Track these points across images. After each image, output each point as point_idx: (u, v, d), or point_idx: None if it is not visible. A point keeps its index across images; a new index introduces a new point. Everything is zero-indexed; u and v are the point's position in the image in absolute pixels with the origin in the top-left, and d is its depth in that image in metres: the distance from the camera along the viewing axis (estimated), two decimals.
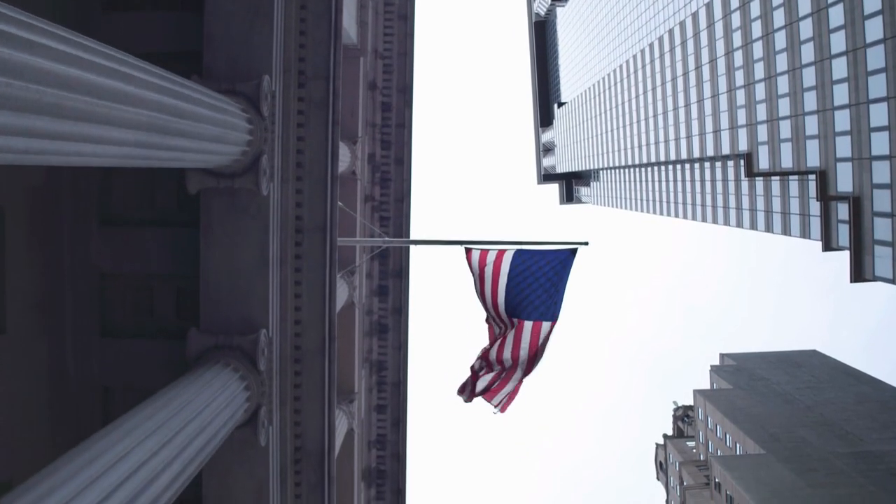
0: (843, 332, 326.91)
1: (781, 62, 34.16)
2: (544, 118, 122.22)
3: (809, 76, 31.46)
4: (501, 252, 14.83)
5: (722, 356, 74.48)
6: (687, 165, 57.68)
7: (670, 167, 61.87)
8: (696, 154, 48.51)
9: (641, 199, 69.64)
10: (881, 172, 26.12)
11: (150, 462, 7.19)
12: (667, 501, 68.70)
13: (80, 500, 6.09)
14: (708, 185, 52.94)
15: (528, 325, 14.52)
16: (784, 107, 34.14)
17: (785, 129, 34.30)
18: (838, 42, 28.58)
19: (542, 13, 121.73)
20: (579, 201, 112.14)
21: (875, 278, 27.32)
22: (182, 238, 11.89)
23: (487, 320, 14.56)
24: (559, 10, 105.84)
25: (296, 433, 12.73)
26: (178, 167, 8.71)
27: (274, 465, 11.72)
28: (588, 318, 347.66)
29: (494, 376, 14.70)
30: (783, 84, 34.31)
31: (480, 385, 14.83)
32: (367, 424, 23.12)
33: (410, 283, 23.70)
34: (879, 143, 26.11)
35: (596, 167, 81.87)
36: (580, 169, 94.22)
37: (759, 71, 36.93)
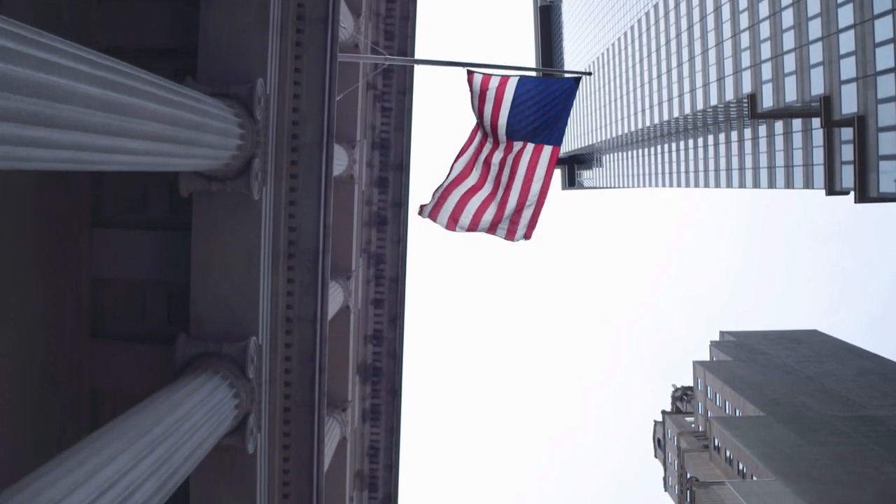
0: (842, 314, 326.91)
1: None
2: None
3: (814, 4, 31.47)
4: (505, 78, 14.60)
5: (722, 333, 74.20)
6: (691, 137, 57.67)
7: (672, 142, 61.86)
8: (700, 106, 48.55)
9: (644, 174, 69.57)
10: (886, 86, 26.06)
11: None
12: (664, 479, 68.06)
13: None
14: (711, 149, 52.92)
15: (529, 146, 14.32)
16: (788, 40, 34.18)
17: (789, 62, 34.30)
18: None
19: None
20: (581, 186, 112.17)
21: (880, 196, 27.16)
22: None
23: (475, 132, 14.20)
24: None
25: (290, 226, 12.44)
26: None
27: (266, 239, 11.42)
28: (590, 305, 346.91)
29: (486, 202, 14.31)
30: (787, 18, 34.36)
31: (469, 213, 14.35)
32: (363, 317, 22.80)
33: (411, 180, 23.48)
34: (884, 57, 26.06)
35: (599, 140, 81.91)
36: (583, 146, 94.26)
37: (764, 9, 36.98)
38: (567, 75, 15.32)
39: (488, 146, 14.25)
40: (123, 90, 6.35)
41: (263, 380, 11.51)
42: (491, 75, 14.54)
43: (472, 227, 14.19)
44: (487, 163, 14.11)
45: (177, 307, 12.17)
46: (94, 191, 12.01)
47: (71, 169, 6.16)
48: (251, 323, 11.22)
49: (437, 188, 13.93)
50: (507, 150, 14.38)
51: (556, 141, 14.47)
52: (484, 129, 14.18)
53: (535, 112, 14.50)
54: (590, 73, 14.77)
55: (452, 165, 14.06)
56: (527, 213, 14.41)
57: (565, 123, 14.62)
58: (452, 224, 14.18)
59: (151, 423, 8.11)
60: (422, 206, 14.04)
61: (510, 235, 14.59)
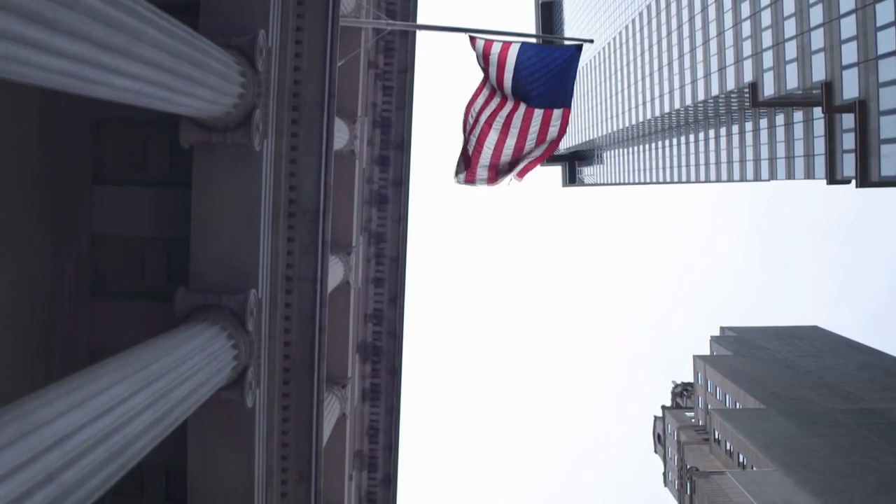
0: (843, 310, 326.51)
1: None
2: None
3: None
4: (507, 44, 14.64)
5: (722, 328, 74.22)
6: (692, 132, 57.68)
7: (672, 137, 61.87)
8: (701, 97, 48.61)
9: (645, 170, 69.59)
10: (887, 70, 26.09)
11: None
12: (664, 474, 67.92)
13: (54, 427, 6.20)
14: (711, 142, 52.95)
15: (538, 112, 14.39)
16: (790, 27, 34.23)
17: (790, 49, 34.35)
18: None
19: None
20: (581, 183, 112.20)
21: (881, 179, 27.18)
22: None
23: (484, 83, 14.30)
24: None
25: (291, 184, 12.42)
26: None
27: (266, 195, 11.39)
28: (591, 303, 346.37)
29: (493, 162, 14.58)
30: (789, 5, 34.42)
31: (481, 175, 14.70)
32: (363, 295, 22.75)
33: (412, 159, 23.47)
34: (886, 41, 26.09)
35: (600, 135, 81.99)
36: (583, 141, 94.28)
37: None
38: (567, 42, 15.34)
39: (496, 101, 14.37)
40: (123, 9, 6.33)
41: (263, 335, 11.48)
42: (493, 41, 14.58)
43: (490, 181, 14.57)
44: (495, 116, 14.29)
45: (177, 265, 12.15)
46: (95, 147, 11.99)
47: (72, 88, 6.12)
48: (251, 277, 11.19)
49: (463, 150, 14.27)
50: (515, 107, 14.49)
51: (564, 104, 14.55)
52: (492, 85, 14.30)
53: (537, 78, 14.53)
54: (591, 41, 14.76)
55: (465, 118, 14.32)
56: (525, 161, 14.74)
57: (573, 86, 14.68)
58: (472, 178, 14.64)
59: (149, 361, 8.11)
60: (462, 174, 14.41)
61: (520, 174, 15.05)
